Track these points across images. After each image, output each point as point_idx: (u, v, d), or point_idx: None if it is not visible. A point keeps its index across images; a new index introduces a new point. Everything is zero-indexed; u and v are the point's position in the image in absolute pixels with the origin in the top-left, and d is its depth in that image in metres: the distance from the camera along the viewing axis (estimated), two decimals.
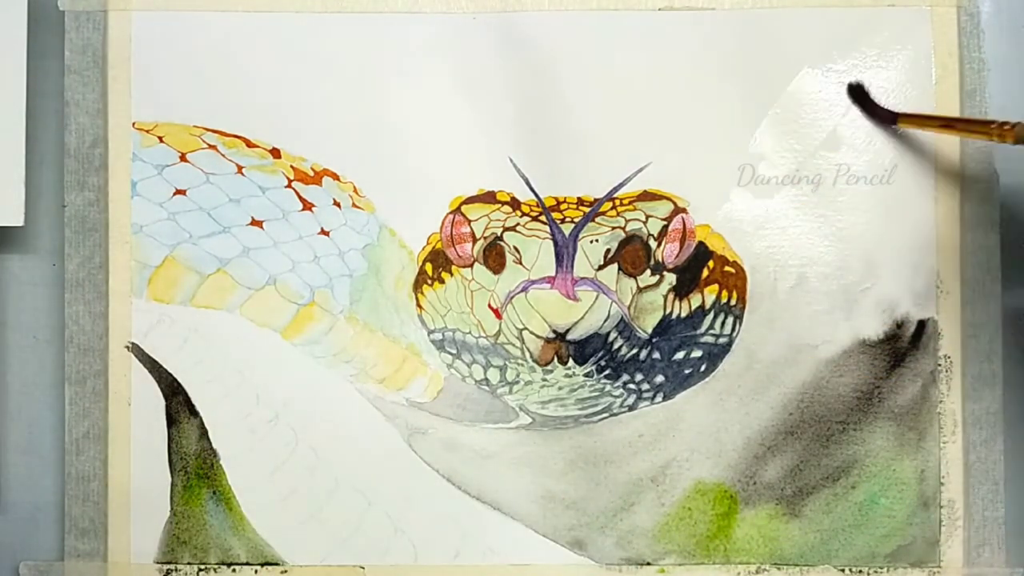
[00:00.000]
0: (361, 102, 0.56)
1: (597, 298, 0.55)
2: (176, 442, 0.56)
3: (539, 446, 0.56)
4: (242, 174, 0.56)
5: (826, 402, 0.55)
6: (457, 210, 0.56)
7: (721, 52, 0.55)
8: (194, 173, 0.56)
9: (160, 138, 0.56)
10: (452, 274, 0.56)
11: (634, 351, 0.55)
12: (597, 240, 0.55)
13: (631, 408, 0.56)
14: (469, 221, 0.56)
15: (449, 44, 0.55)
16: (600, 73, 0.55)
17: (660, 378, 0.56)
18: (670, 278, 0.55)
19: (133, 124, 0.56)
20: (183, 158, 0.56)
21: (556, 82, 0.55)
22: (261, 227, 0.56)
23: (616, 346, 0.55)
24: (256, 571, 0.56)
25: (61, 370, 0.56)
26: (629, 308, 0.55)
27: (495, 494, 0.56)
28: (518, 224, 0.55)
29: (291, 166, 0.56)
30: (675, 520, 0.55)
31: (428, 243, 0.56)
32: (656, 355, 0.56)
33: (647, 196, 0.55)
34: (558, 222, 0.55)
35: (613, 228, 0.55)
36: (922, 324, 0.55)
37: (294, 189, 0.56)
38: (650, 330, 0.55)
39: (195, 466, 0.56)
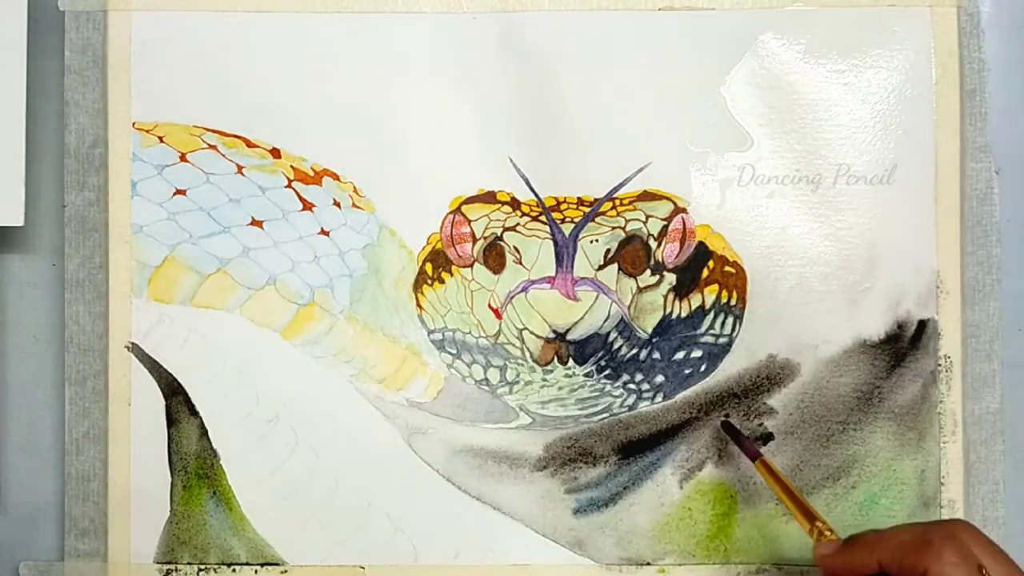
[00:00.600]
0: (361, 102, 0.56)
1: (597, 298, 0.55)
2: (176, 442, 0.56)
3: (539, 446, 0.56)
4: (242, 174, 0.56)
5: (826, 402, 0.55)
6: (457, 210, 0.56)
7: (721, 52, 0.55)
8: (194, 173, 0.56)
9: (160, 138, 0.56)
10: (452, 274, 0.56)
11: (634, 351, 0.55)
12: (597, 240, 0.55)
13: (631, 408, 0.56)
14: (469, 221, 0.56)
15: (449, 44, 0.55)
16: (600, 73, 0.55)
17: (660, 378, 0.56)
18: (670, 278, 0.55)
19: (133, 124, 0.56)
20: (183, 158, 0.56)
21: (556, 82, 0.55)
22: (261, 227, 0.56)
23: (616, 346, 0.55)
24: (256, 571, 0.56)
25: (61, 370, 0.56)
26: (629, 308, 0.55)
27: (495, 494, 0.56)
28: (518, 224, 0.55)
29: (291, 166, 0.56)
30: (675, 520, 0.55)
31: (428, 243, 0.56)
32: (656, 355, 0.56)
33: (647, 196, 0.55)
34: (558, 222, 0.55)
35: (613, 228, 0.55)
36: (922, 324, 0.55)
37: (294, 189, 0.56)
38: (650, 330, 0.55)
39: (195, 466, 0.56)
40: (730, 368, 0.55)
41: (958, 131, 0.55)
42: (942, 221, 0.55)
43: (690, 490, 0.55)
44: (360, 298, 0.56)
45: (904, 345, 0.55)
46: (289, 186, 0.56)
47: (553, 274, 0.55)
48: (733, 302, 0.55)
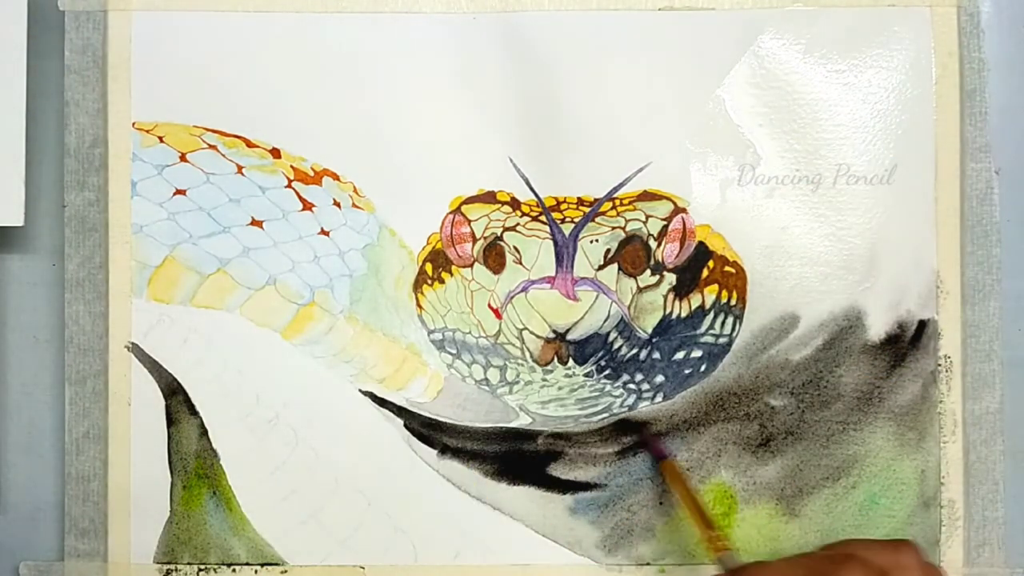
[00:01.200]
0: (362, 102, 0.56)
1: (597, 298, 0.55)
2: (176, 442, 0.56)
3: (539, 446, 0.56)
4: (242, 174, 0.56)
5: (826, 402, 0.55)
6: (457, 210, 0.56)
7: (721, 52, 0.55)
8: (194, 173, 0.56)
9: (160, 138, 0.56)
10: (452, 274, 0.56)
11: (634, 351, 0.55)
12: (597, 240, 0.55)
13: (631, 408, 0.56)
14: (469, 221, 0.56)
15: (449, 44, 0.55)
16: (600, 73, 0.55)
17: (660, 378, 0.56)
18: (670, 278, 0.55)
19: (133, 124, 0.56)
20: (183, 158, 0.56)
21: (556, 82, 0.55)
22: (261, 227, 0.56)
23: (616, 346, 0.55)
24: (256, 571, 0.56)
25: (61, 370, 0.56)
26: (629, 308, 0.55)
27: (495, 494, 0.56)
28: (518, 224, 0.55)
29: (291, 166, 0.56)
30: (675, 520, 0.55)
31: (428, 243, 0.56)
32: (656, 355, 0.56)
33: (647, 196, 0.55)
34: (558, 222, 0.55)
35: (613, 228, 0.55)
36: (922, 324, 0.55)
37: (294, 189, 0.56)
38: (650, 330, 0.55)
39: (195, 466, 0.56)
40: (730, 368, 0.55)
41: (958, 131, 0.55)
42: (942, 221, 0.55)
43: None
44: (360, 298, 0.56)
45: (904, 345, 0.55)
46: (289, 186, 0.56)
47: (553, 274, 0.55)
48: (733, 302, 0.55)
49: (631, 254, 0.55)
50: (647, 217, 0.55)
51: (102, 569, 0.55)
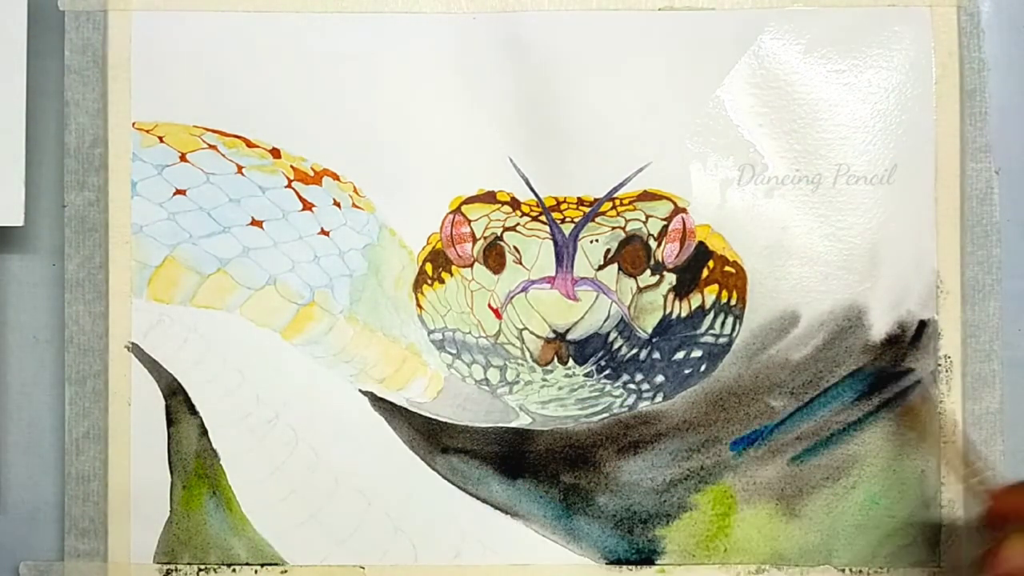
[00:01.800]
0: (361, 102, 0.56)
1: (597, 298, 0.55)
2: (176, 442, 0.56)
3: (539, 446, 0.56)
4: (242, 174, 0.56)
5: (826, 402, 0.55)
6: (457, 210, 0.56)
7: (721, 52, 0.55)
8: (194, 173, 0.56)
9: (160, 138, 0.56)
10: (452, 274, 0.56)
11: (634, 351, 0.55)
12: (597, 240, 0.55)
13: (631, 408, 0.56)
14: (469, 221, 0.56)
15: (449, 44, 0.55)
16: (600, 73, 0.55)
17: (660, 378, 0.56)
18: (670, 278, 0.55)
19: (133, 124, 0.56)
20: (183, 158, 0.56)
21: (556, 82, 0.55)
22: (261, 227, 0.56)
23: (616, 346, 0.55)
24: (256, 571, 0.56)
25: (61, 370, 0.56)
26: (629, 308, 0.55)
27: (495, 494, 0.56)
28: (518, 224, 0.55)
29: (291, 166, 0.56)
30: (675, 520, 0.55)
31: (428, 243, 0.56)
32: (656, 355, 0.56)
33: (647, 196, 0.55)
34: (558, 222, 0.55)
35: (613, 228, 0.55)
36: (922, 324, 0.55)
37: (294, 189, 0.56)
38: (650, 330, 0.55)
39: (195, 466, 0.56)
40: (730, 368, 0.55)
41: (958, 131, 0.55)
42: (942, 221, 0.55)
43: (690, 490, 0.55)
44: (360, 298, 0.56)
45: (904, 345, 0.55)
46: (289, 186, 0.56)
47: (553, 274, 0.55)
48: (733, 302, 0.55)
49: (631, 254, 0.55)
50: (647, 217, 0.55)
51: (102, 569, 0.55)
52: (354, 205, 0.56)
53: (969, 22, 0.55)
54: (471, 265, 0.56)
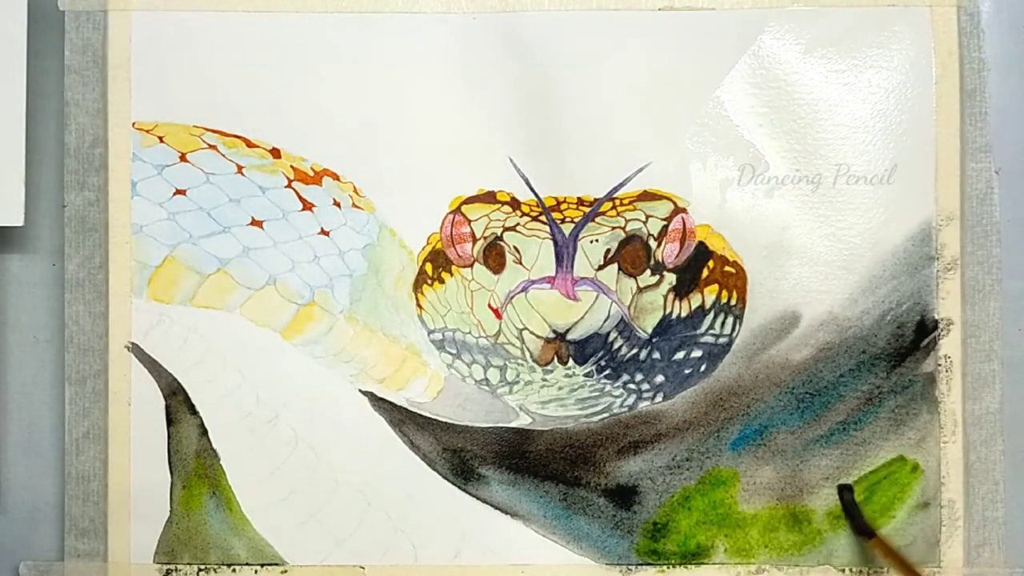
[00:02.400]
0: (361, 102, 0.56)
1: (597, 298, 0.55)
2: (176, 442, 0.56)
3: (539, 446, 0.56)
4: (242, 174, 0.56)
5: (826, 402, 0.55)
6: (457, 210, 0.56)
7: (721, 52, 0.55)
8: (194, 173, 0.56)
9: (160, 138, 0.56)
10: (452, 274, 0.56)
11: (634, 351, 0.55)
12: (597, 240, 0.55)
13: (631, 408, 0.56)
14: (469, 221, 0.56)
15: (449, 44, 0.55)
16: (600, 73, 0.55)
17: (660, 378, 0.56)
18: (670, 278, 0.55)
19: (133, 124, 0.56)
20: (183, 158, 0.56)
21: (556, 82, 0.55)
22: (261, 227, 0.56)
23: (616, 346, 0.55)
24: (256, 571, 0.56)
25: (61, 370, 0.56)
26: (629, 308, 0.55)
27: (495, 494, 0.56)
28: (518, 224, 0.55)
29: (291, 166, 0.56)
30: (675, 520, 0.55)
31: (428, 243, 0.56)
32: (656, 355, 0.56)
33: (647, 196, 0.55)
34: (558, 222, 0.55)
35: (613, 228, 0.55)
36: (922, 324, 0.55)
37: (294, 189, 0.56)
38: (650, 330, 0.55)
39: (195, 466, 0.56)
40: (730, 368, 0.55)
41: (958, 131, 0.55)
42: (942, 221, 0.55)
43: (690, 490, 0.55)
44: (360, 298, 0.56)
45: (904, 345, 0.55)
46: (289, 186, 0.56)
47: (553, 274, 0.55)
48: (733, 302, 0.55)
49: (631, 254, 0.55)
50: (647, 217, 0.55)
51: (102, 569, 0.55)
52: (354, 205, 0.56)
53: (969, 22, 0.55)
54: (471, 265, 0.56)
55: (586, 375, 0.55)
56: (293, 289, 0.56)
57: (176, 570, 0.56)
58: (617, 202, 0.55)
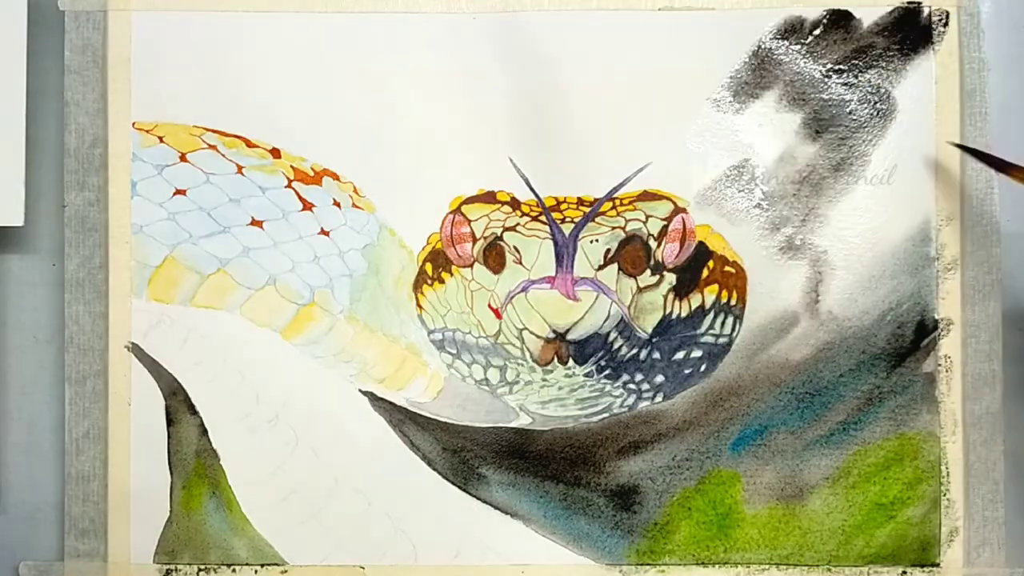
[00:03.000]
0: (361, 102, 0.56)
1: (597, 298, 0.55)
2: (176, 442, 0.56)
3: (539, 446, 0.56)
4: (242, 174, 0.56)
5: (826, 402, 0.55)
6: (457, 210, 0.56)
7: (721, 52, 0.55)
8: (194, 173, 0.56)
9: (160, 138, 0.56)
10: (452, 274, 0.56)
11: (634, 351, 0.55)
12: (597, 240, 0.55)
13: (631, 408, 0.56)
14: (469, 221, 0.56)
15: (449, 44, 0.55)
16: (600, 73, 0.55)
17: (660, 378, 0.56)
18: (670, 278, 0.55)
19: (133, 124, 0.56)
20: (183, 158, 0.56)
21: (556, 82, 0.55)
22: (261, 227, 0.56)
23: (616, 346, 0.55)
24: (256, 571, 0.56)
25: (61, 370, 0.56)
26: (629, 308, 0.55)
27: (495, 494, 0.56)
28: (518, 224, 0.55)
29: (291, 166, 0.56)
30: (675, 520, 0.55)
31: (428, 243, 0.56)
32: (656, 355, 0.56)
33: (647, 196, 0.55)
34: (558, 222, 0.55)
35: (613, 228, 0.55)
36: (922, 324, 0.55)
37: (294, 189, 0.56)
38: (650, 330, 0.55)
39: (195, 466, 0.56)
40: (730, 368, 0.55)
41: (958, 131, 0.55)
42: (942, 221, 0.55)
43: (691, 490, 0.55)
44: (360, 298, 0.56)
45: (904, 345, 0.55)
46: (289, 186, 0.56)
47: (553, 274, 0.55)
48: (733, 302, 0.55)
49: (631, 254, 0.55)
50: (647, 217, 0.55)
51: (102, 569, 0.55)
52: (354, 205, 0.56)
53: (969, 22, 0.55)
54: (471, 265, 0.56)
55: (586, 375, 0.55)
56: (293, 289, 0.56)
57: (176, 570, 0.56)
58: (617, 202, 0.55)
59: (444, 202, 0.56)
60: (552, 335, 0.55)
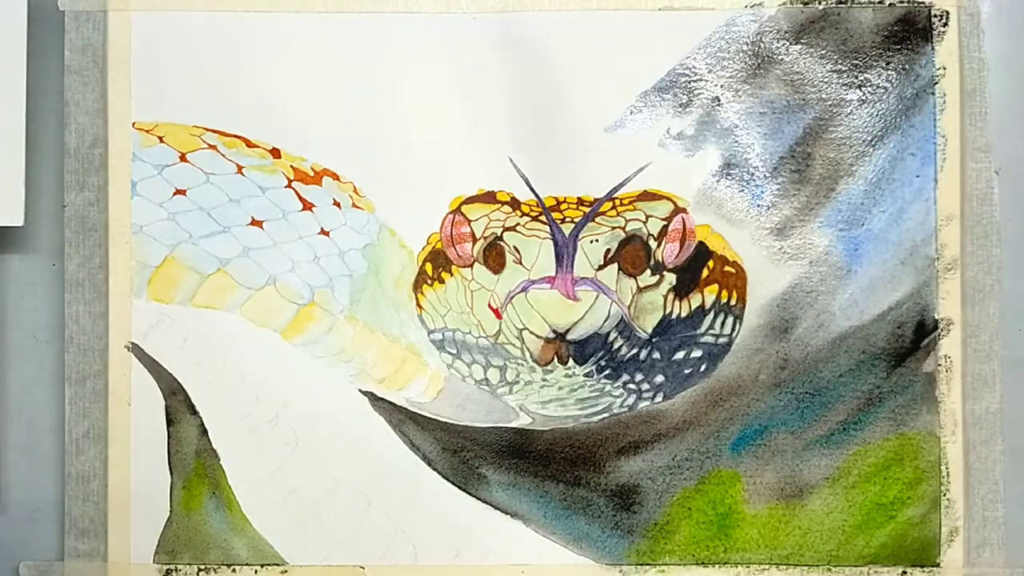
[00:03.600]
0: (361, 102, 0.56)
1: (597, 298, 0.55)
2: (176, 442, 0.56)
3: (539, 446, 0.56)
4: (242, 174, 0.56)
5: (826, 402, 0.55)
6: (457, 210, 0.56)
7: (721, 52, 0.55)
8: (194, 173, 0.56)
9: (160, 138, 0.56)
10: (452, 274, 0.56)
11: (634, 351, 0.55)
12: (597, 240, 0.55)
13: (631, 408, 0.56)
14: (469, 221, 0.56)
15: (449, 44, 0.55)
16: (600, 73, 0.55)
17: (660, 378, 0.56)
18: (670, 278, 0.55)
19: (133, 124, 0.56)
20: (183, 158, 0.56)
21: (556, 82, 0.55)
22: (261, 227, 0.56)
23: (616, 346, 0.55)
24: (256, 571, 0.56)
25: (61, 370, 0.56)
26: (629, 308, 0.55)
27: (495, 494, 0.56)
28: (518, 224, 0.55)
29: (291, 166, 0.56)
30: (675, 520, 0.55)
31: (428, 243, 0.56)
32: (656, 355, 0.56)
33: (647, 196, 0.55)
34: (558, 222, 0.55)
35: (613, 228, 0.55)
36: (922, 324, 0.55)
37: (294, 189, 0.56)
38: (650, 330, 0.55)
39: (195, 466, 0.56)
40: (730, 368, 0.55)
41: (958, 131, 0.55)
42: (942, 221, 0.55)
43: (691, 490, 0.55)
44: (360, 298, 0.56)
45: (904, 345, 0.55)
46: (289, 186, 0.56)
47: (553, 274, 0.55)
48: (733, 302, 0.55)
49: (631, 254, 0.55)
50: (647, 217, 0.55)
51: (102, 569, 0.55)
52: (354, 205, 0.56)
53: (969, 22, 0.55)
54: (471, 265, 0.56)
55: (586, 375, 0.55)
56: (293, 289, 0.56)
57: (176, 570, 0.56)
58: (617, 202, 0.55)
59: (444, 202, 0.56)
60: (552, 335, 0.55)
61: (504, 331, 0.55)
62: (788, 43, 0.55)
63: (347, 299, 0.56)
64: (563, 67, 0.55)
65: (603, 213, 0.55)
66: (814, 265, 0.55)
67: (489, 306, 0.55)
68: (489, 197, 0.56)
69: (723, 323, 0.55)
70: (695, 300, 0.55)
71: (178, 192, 0.56)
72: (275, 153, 0.56)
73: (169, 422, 0.56)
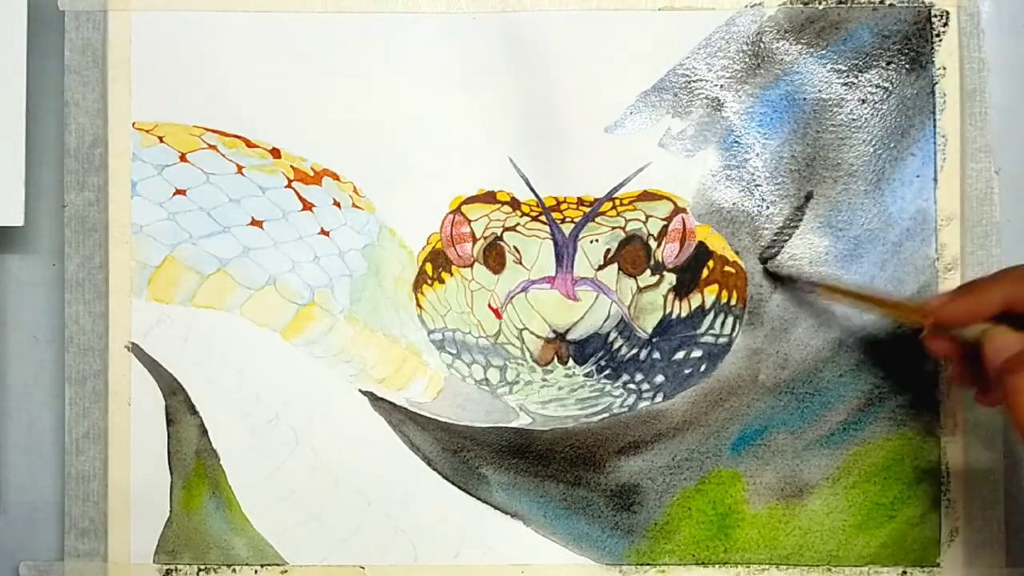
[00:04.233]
0: (361, 102, 0.56)
1: (597, 298, 0.55)
2: (176, 442, 0.56)
3: (539, 446, 0.56)
4: (242, 174, 0.56)
5: (826, 402, 0.55)
6: (457, 210, 0.56)
7: (721, 52, 0.55)
8: (194, 173, 0.56)
9: (160, 138, 0.56)
10: (452, 274, 0.56)
11: (634, 351, 0.55)
12: (597, 240, 0.55)
13: (631, 408, 0.56)
14: (469, 221, 0.56)
15: (449, 44, 0.55)
16: (600, 73, 0.55)
17: (660, 378, 0.56)
18: (670, 278, 0.55)
19: (133, 124, 0.56)
20: (183, 158, 0.56)
21: (556, 82, 0.55)
22: (261, 227, 0.56)
23: (616, 346, 0.55)
24: (256, 571, 0.56)
25: (61, 370, 0.56)
26: (629, 308, 0.55)
27: (495, 494, 0.56)
28: (518, 224, 0.55)
29: (291, 166, 0.56)
30: (675, 520, 0.55)
31: (428, 243, 0.56)
32: (656, 355, 0.56)
33: (647, 196, 0.55)
34: (558, 222, 0.55)
35: (613, 228, 0.55)
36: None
37: (294, 189, 0.56)
38: (650, 330, 0.55)
39: (195, 466, 0.56)
40: (730, 368, 0.55)
41: (958, 131, 0.55)
42: (942, 222, 0.55)
43: (691, 490, 0.55)
44: (360, 298, 0.56)
45: (905, 345, 0.55)
46: (289, 186, 0.56)
47: (553, 274, 0.55)
48: (733, 302, 0.55)
49: (631, 254, 0.55)
50: (647, 217, 0.55)
51: (102, 569, 0.55)
52: (354, 205, 0.56)
53: (969, 22, 0.55)
54: (471, 265, 0.56)
55: (586, 375, 0.55)
56: (293, 289, 0.56)
57: (176, 570, 0.56)
58: (617, 202, 0.55)
59: (444, 202, 0.56)
60: (552, 335, 0.55)
61: (504, 331, 0.55)
62: (788, 43, 0.55)
63: (347, 299, 0.56)
64: (563, 67, 0.55)
65: (603, 213, 0.55)
66: (814, 265, 0.55)
67: (489, 306, 0.55)
68: (489, 197, 0.56)
69: (723, 323, 0.55)
70: (695, 300, 0.55)
71: (178, 192, 0.56)
72: (275, 153, 0.56)
73: (169, 422, 0.56)
